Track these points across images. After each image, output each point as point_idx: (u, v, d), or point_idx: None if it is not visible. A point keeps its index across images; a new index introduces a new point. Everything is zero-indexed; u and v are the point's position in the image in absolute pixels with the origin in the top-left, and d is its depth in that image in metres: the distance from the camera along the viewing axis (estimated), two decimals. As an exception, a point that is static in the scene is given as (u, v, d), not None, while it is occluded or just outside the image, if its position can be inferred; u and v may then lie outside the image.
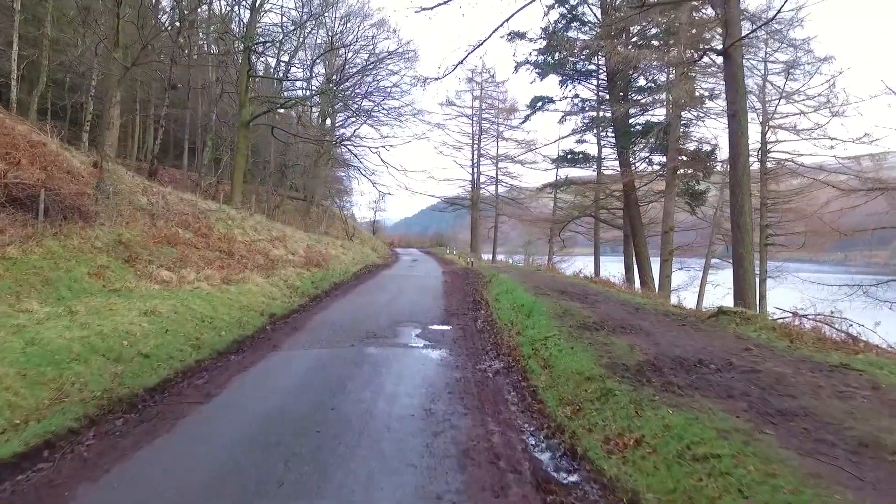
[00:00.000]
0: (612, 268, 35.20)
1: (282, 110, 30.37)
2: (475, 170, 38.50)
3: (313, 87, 23.82)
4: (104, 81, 16.99)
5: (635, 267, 25.63)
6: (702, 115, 20.24)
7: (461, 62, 11.07)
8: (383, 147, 28.67)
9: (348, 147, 33.44)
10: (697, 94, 19.59)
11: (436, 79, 11.39)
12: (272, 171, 30.94)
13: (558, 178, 38.88)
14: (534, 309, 8.24)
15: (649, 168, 23.31)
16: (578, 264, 39.46)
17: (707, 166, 20.39)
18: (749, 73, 21.17)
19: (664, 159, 22.51)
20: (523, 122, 23.21)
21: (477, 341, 6.97)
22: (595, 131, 26.43)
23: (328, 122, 33.37)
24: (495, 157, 38.64)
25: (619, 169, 26.03)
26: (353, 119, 33.50)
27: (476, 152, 37.95)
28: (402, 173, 34.84)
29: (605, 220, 26.69)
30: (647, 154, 22.54)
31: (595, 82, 23.51)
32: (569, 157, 23.72)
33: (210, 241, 12.93)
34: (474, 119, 37.71)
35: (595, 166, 24.40)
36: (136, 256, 9.69)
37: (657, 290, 19.05)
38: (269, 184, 31.32)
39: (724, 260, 30.58)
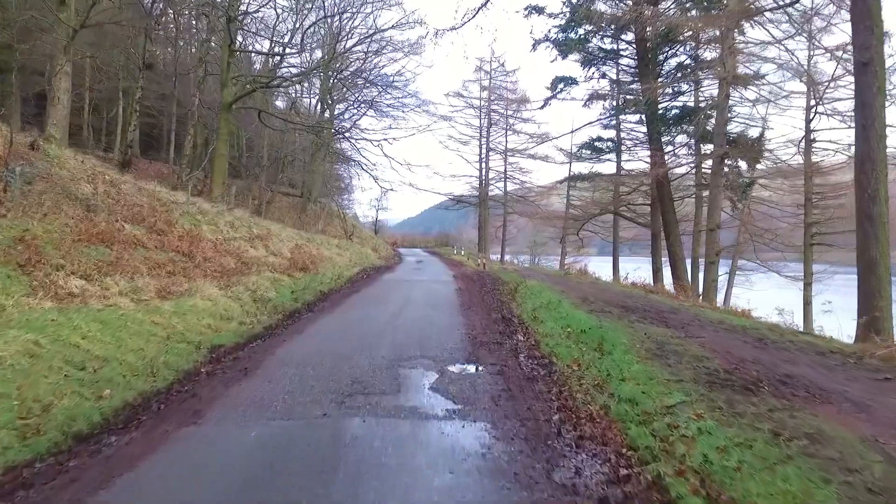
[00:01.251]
0: (631, 268, 32.33)
1: (276, 99, 27.64)
2: (484, 165, 35.70)
3: (308, 64, 21.01)
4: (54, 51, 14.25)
5: (664, 269, 22.90)
6: (761, 97, 17.34)
7: (484, 4, 8.27)
8: (385, 140, 26.10)
9: (348, 139, 30.71)
10: (747, 71, 16.79)
11: (451, 29, 8.64)
12: (266, 166, 28.19)
13: (572, 172, 36.09)
14: (604, 338, 5.42)
15: (678, 157, 20.52)
16: (593, 266, 36.63)
17: (756, 153, 17.55)
18: (793, 50, 18.36)
19: (704, 147, 19.72)
20: (542, 106, 20.37)
21: (533, 404, 4.11)
22: (615, 121, 23.65)
23: (327, 113, 30.59)
24: (505, 152, 35.84)
25: (647, 160, 23.26)
26: (354, 110, 30.79)
27: (485, 146, 35.15)
28: (405, 168, 32.06)
29: (630, 218, 23.84)
30: (685, 141, 19.73)
31: (619, 65, 20.70)
32: (594, 145, 20.82)
33: (167, 240, 10.12)
34: (483, 111, 34.92)
35: (625, 156, 21.51)
36: (40, 260, 6.88)
37: (700, 296, 16.22)
38: (262, 179, 28.60)
39: (753, 263, 27.79)
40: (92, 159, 15.12)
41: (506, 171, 36.49)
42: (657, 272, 22.53)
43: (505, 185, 37.10)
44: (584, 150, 21.12)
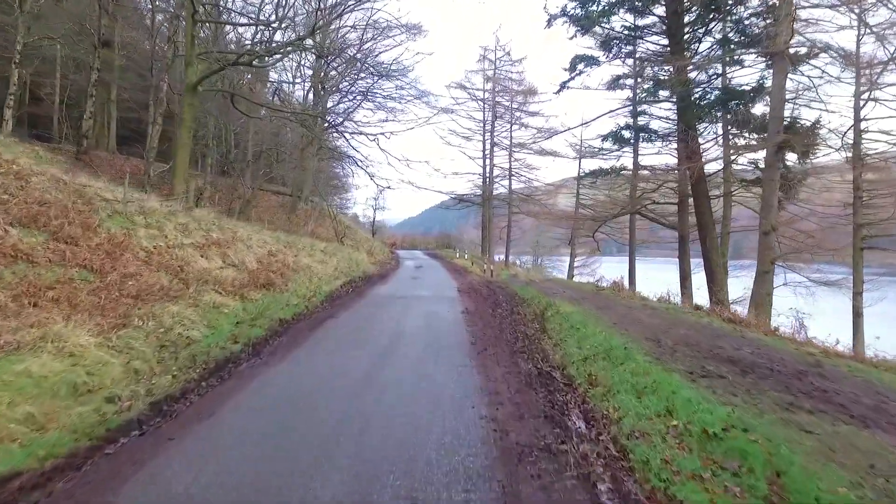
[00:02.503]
0: (647, 273, 29.49)
1: (267, 90, 24.81)
2: (488, 161, 32.83)
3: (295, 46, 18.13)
4: None
5: (692, 277, 20.09)
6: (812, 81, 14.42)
7: None
8: (382, 134, 23.34)
9: (341, 133, 27.91)
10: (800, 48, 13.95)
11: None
12: (250, 161, 25.38)
13: (590, 168, 33.26)
14: (780, 470, 2.64)
15: (717, 148, 17.62)
16: (605, 270, 33.78)
17: (811, 141, 14.71)
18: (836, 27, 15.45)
19: (745, 136, 16.87)
20: (559, 91, 17.47)
21: None
22: (635, 109, 20.78)
23: (319, 106, 27.75)
24: (510, 147, 32.99)
25: (674, 153, 20.40)
26: (348, 101, 27.98)
27: (489, 141, 32.28)
28: (404, 164, 29.20)
29: (653, 218, 20.98)
30: (718, 132, 16.86)
31: (647, 42, 17.84)
32: (620, 134, 17.90)
33: (73, 251, 7.29)
34: (487, 103, 32.05)
35: (648, 150, 18.62)
36: None
37: (746, 310, 13.39)
38: (246, 176, 25.82)
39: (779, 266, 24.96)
40: (21, 147, 12.41)
41: (510, 167, 33.67)
42: (685, 279, 19.69)
43: (510, 183, 34.29)
44: (606, 142, 18.19)
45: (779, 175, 13.33)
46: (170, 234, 9.89)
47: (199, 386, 4.61)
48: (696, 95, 15.42)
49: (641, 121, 19.74)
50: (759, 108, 15.45)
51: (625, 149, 23.28)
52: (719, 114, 15.70)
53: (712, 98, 15.19)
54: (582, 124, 30.06)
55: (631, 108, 19.23)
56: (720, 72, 16.76)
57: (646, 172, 20.10)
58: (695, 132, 16.57)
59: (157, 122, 18.44)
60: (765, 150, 16.39)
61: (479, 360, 5.71)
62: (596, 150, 26.49)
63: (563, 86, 17.32)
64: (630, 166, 19.46)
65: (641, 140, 18.59)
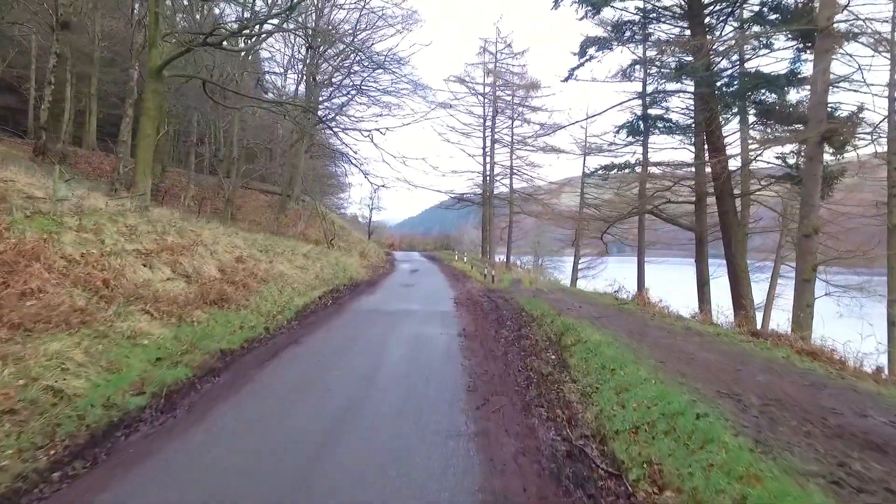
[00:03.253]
0: (656, 276, 27.71)
1: (256, 83, 23.06)
2: (489, 159, 31.07)
3: (279, 30, 16.42)
4: None
5: (710, 283, 18.36)
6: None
7: None
8: (377, 130, 21.63)
9: (332, 128, 26.18)
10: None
11: None
12: (236, 158, 23.61)
13: (586, 167, 31.49)
14: None
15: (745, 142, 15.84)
16: (612, 272, 32.01)
17: (853, 132, 12.96)
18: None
19: (773, 127, 15.12)
20: (567, 78, 15.72)
21: None
22: (644, 101, 19.04)
23: (311, 99, 25.99)
24: (511, 144, 31.24)
25: (691, 148, 18.64)
26: (340, 95, 26.27)
27: (490, 138, 30.52)
28: (399, 161, 27.46)
29: (667, 218, 19.19)
30: (754, 122, 15.10)
31: (665, 24, 16.06)
32: (635, 126, 16.08)
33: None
34: (487, 98, 30.29)
35: (679, 141, 16.89)
36: None
37: (786, 325, 11.65)
38: (233, 174, 24.10)
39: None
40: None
41: (512, 165, 31.90)
42: (703, 285, 17.96)
43: (511, 182, 32.52)
44: (620, 133, 16.37)
45: (821, 170, 11.58)
46: (109, 239, 8.14)
47: (29, 492, 2.85)
48: (722, 82, 13.66)
49: (654, 112, 17.99)
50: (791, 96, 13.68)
51: (637, 142, 21.60)
52: (747, 103, 13.93)
53: (740, 85, 13.40)
54: (589, 118, 28.21)
55: (644, 98, 17.47)
56: (742, 58, 15.01)
57: (657, 170, 18.33)
58: (718, 124, 14.83)
59: (128, 113, 16.69)
60: (794, 144, 14.72)
61: (478, 422, 3.95)
62: (603, 145, 24.80)
63: (571, 72, 15.57)
64: (639, 162, 17.66)
65: (657, 133, 16.81)
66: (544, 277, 40.76)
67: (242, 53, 18.41)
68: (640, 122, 15.73)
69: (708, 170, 18.68)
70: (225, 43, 12.88)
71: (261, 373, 5.22)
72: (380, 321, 8.36)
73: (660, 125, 16.33)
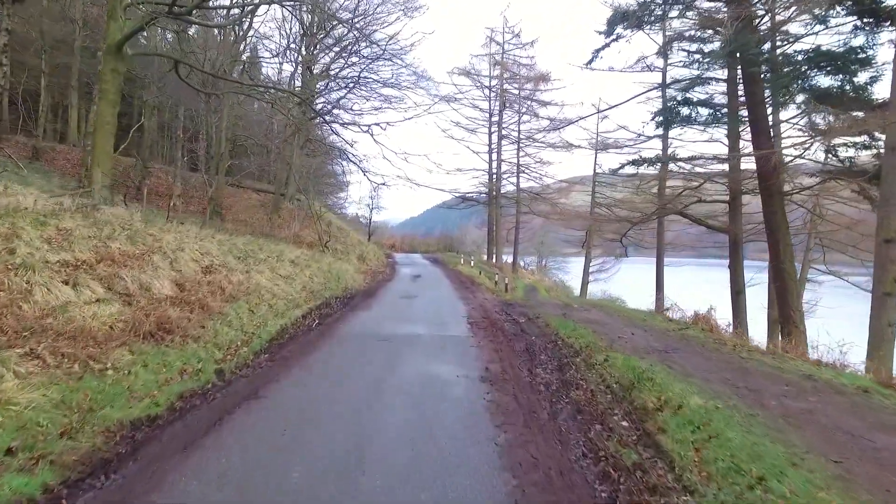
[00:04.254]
0: (674, 279, 25.66)
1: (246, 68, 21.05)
2: (495, 156, 29.06)
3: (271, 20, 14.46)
4: None
5: (745, 291, 16.39)
6: None
7: None
8: (377, 125, 19.66)
9: (329, 123, 24.20)
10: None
11: None
12: (223, 154, 21.63)
13: (597, 165, 29.45)
14: None
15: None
16: (627, 275, 30.01)
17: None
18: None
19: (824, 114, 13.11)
20: (590, 61, 13.71)
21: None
22: (662, 94, 17.04)
23: (307, 90, 23.99)
24: (518, 140, 29.21)
25: (724, 140, 16.61)
26: (338, 87, 24.29)
27: (497, 134, 28.51)
28: (401, 158, 25.52)
29: (698, 220, 17.15)
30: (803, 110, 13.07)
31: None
32: (676, 111, 13.98)
33: None
34: (494, 91, 28.28)
35: (715, 132, 14.88)
36: None
37: (863, 352, 9.62)
38: (220, 170, 22.14)
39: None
40: None
41: (518, 162, 29.87)
42: (738, 295, 15.98)
43: (518, 180, 30.47)
44: (648, 126, 14.30)
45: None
46: (23, 248, 6.18)
47: None
48: (776, 61, 11.65)
49: (694, 97, 15.90)
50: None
51: (657, 136, 19.68)
52: (799, 87, 11.91)
53: (799, 63, 11.38)
54: (609, 108, 26.12)
55: (664, 90, 15.48)
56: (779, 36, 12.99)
57: (686, 166, 16.28)
58: (764, 112, 12.83)
59: (95, 101, 14.76)
60: (848, 134, 12.72)
61: None
62: (619, 140, 22.79)
63: (596, 54, 13.55)
64: (675, 156, 15.59)
65: (691, 124, 14.77)
66: (549, 279, 38.79)
67: (220, 32, 16.40)
68: (680, 108, 13.63)
69: (746, 165, 16.70)
70: (196, 14, 10.88)
71: (180, 468, 3.23)
72: (375, 354, 6.36)
73: (700, 113, 14.23)
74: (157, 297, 6.68)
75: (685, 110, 14.17)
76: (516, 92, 28.28)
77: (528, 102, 27.92)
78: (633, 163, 14.22)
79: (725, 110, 15.09)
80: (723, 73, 14.84)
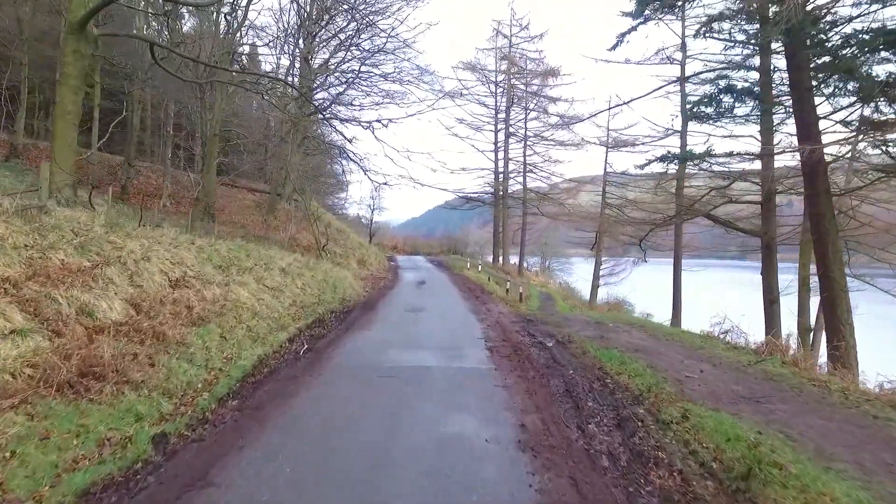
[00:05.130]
0: (691, 279, 24.15)
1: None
2: (502, 154, 27.58)
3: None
4: None
5: (780, 300, 14.93)
6: None
7: None
8: (378, 121, 18.24)
9: (328, 120, 22.74)
10: None
11: None
12: (215, 151, 20.16)
13: (608, 164, 27.96)
14: None
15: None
16: (638, 279, 28.47)
17: None
18: None
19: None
20: (615, 45, 12.21)
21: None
22: (681, 88, 15.50)
23: (302, 83, 22.52)
24: (524, 138, 27.73)
25: (756, 135, 15.11)
26: (338, 82, 22.84)
27: (504, 131, 27.03)
28: (404, 156, 24.02)
29: (726, 222, 15.63)
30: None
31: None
32: (718, 99, 12.38)
33: None
34: (501, 87, 26.79)
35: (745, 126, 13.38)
36: None
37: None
38: (211, 168, 20.73)
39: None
40: None
41: (525, 161, 28.39)
42: (772, 304, 14.53)
43: (524, 180, 28.98)
44: (701, 107, 12.63)
45: None
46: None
47: None
48: (835, 40, 10.16)
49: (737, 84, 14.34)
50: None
51: (672, 132, 18.31)
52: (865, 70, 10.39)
53: (856, 44, 9.87)
54: (622, 103, 24.73)
55: (682, 84, 13.98)
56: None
57: (719, 162, 14.76)
58: (812, 102, 11.34)
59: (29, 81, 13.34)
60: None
61: None
62: (630, 138, 21.39)
63: (621, 38, 12.02)
64: (711, 151, 14.05)
65: (725, 116, 13.24)
66: (554, 281, 37.22)
67: (212, 21, 14.97)
68: (722, 97, 12.03)
69: (785, 163, 15.22)
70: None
71: None
72: (375, 399, 4.89)
73: (745, 102, 12.69)
74: (98, 326, 5.21)
75: (727, 99, 12.63)
76: (524, 87, 26.80)
77: (537, 98, 26.43)
78: (662, 159, 12.71)
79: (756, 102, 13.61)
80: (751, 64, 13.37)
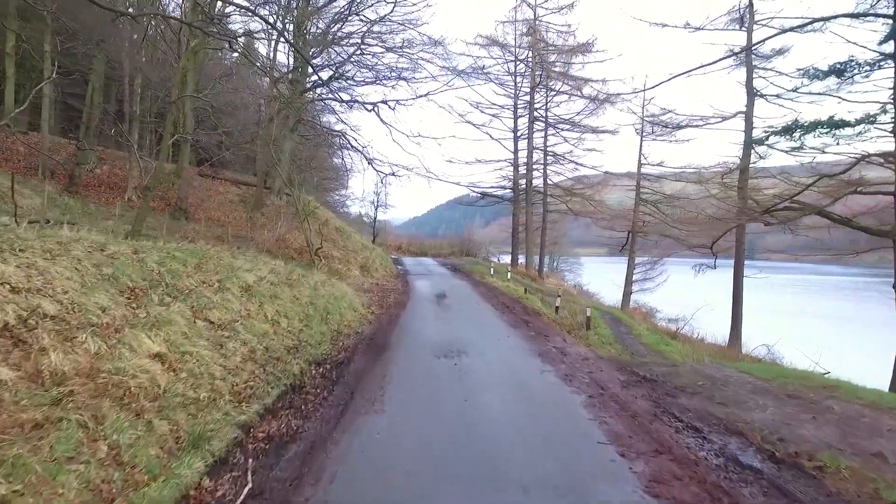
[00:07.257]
0: (754, 290, 20.28)
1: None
2: (523, 143, 23.68)
3: None
4: None
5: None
6: None
7: None
8: (384, 102, 14.58)
9: (324, 99, 18.88)
10: None
11: None
12: (183, 132, 16.25)
13: (642, 156, 24.15)
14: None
15: None
16: (679, 285, 24.54)
17: None
18: None
19: None
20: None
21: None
22: (748, 59, 11.63)
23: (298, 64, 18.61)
24: (545, 127, 23.83)
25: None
26: (339, 55, 18.89)
27: (528, 116, 23.12)
28: (413, 141, 20.25)
29: (841, 220, 11.78)
30: None
31: None
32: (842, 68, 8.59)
33: None
34: (527, 64, 22.88)
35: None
36: None
37: None
38: (183, 155, 16.90)
39: None
40: None
41: (546, 150, 24.46)
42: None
43: (545, 172, 25.05)
44: (829, 75, 8.86)
45: None
46: None
47: None
48: None
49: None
50: None
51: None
52: None
53: None
54: (678, 74, 20.34)
55: (749, 54, 10.12)
56: None
57: (848, 146, 10.87)
58: None
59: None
60: None
61: None
62: (685, 120, 17.59)
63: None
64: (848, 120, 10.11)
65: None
66: (566, 284, 33.29)
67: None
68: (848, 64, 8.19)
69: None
70: None
71: None
72: None
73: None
74: None
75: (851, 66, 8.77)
76: (549, 65, 22.86)
77: (564, 78, 22.52)
78: (785, 130, 8.78)
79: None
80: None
